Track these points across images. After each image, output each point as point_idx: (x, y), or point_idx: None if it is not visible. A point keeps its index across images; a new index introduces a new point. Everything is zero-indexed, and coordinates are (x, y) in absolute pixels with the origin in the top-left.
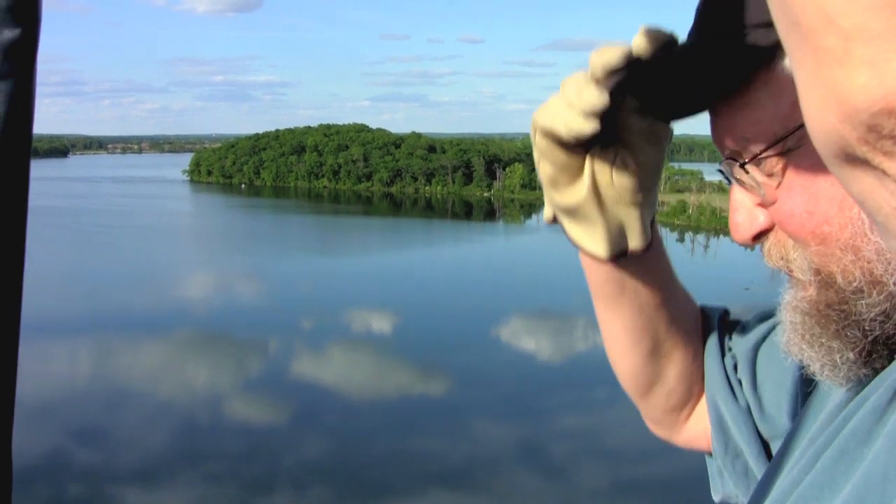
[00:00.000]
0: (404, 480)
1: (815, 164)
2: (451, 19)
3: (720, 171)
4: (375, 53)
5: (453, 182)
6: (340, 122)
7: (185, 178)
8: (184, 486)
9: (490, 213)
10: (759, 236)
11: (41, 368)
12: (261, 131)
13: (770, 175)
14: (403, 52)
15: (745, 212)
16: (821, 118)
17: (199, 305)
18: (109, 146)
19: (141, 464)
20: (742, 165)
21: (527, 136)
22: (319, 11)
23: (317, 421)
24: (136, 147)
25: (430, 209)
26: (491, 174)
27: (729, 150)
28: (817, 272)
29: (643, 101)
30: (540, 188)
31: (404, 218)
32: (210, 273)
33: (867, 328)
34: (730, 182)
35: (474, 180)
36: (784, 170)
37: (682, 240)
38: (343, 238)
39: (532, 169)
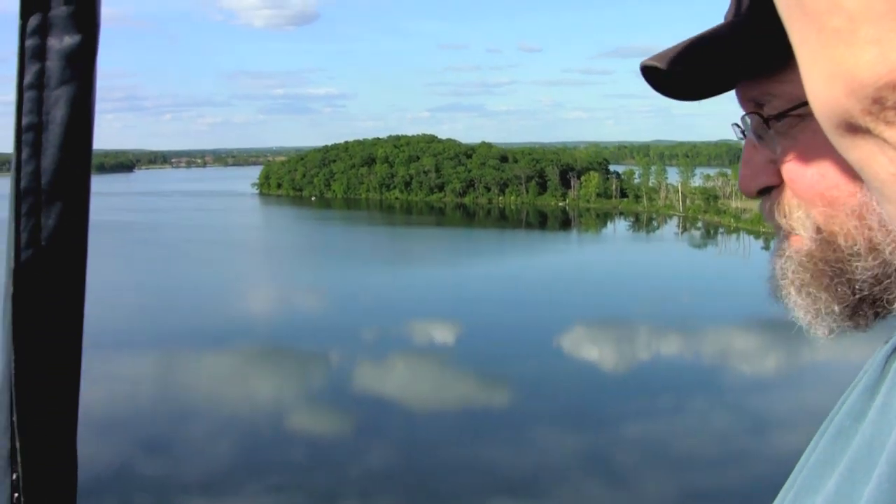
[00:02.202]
0: (469, 491)
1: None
2: (510, 28)
3: (737, 124)
4: (434, 63)
5: (527, 192)
6: (400, 133)
7: (255, 190)
8: (249, 497)
9: (565, 223)
10: (763, 192)
11: (110, 381)
12: (322, 144)
13: (787, 135)
14: (462, 62)
15: (752, 166)
16: (825, 92)
17: (268, 318)
18: (173, 160)
19: (207, 475)
20: (766, 120)
21: (591, 144)
22: (377, 23)
23: (381, 432)
24: (199, 161)
25: (503, 219)
26: (565, 183)
27: (753, 104)
28: (819, 231)
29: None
30: (616, 197)
31: (478, 228)
32: (278, 286)
33: (857, 287)
34: (744, 136)
35: (548, 189)
36: (802, 132)
37: (766, 247)
38: (414, 249)
39: (607, 177)
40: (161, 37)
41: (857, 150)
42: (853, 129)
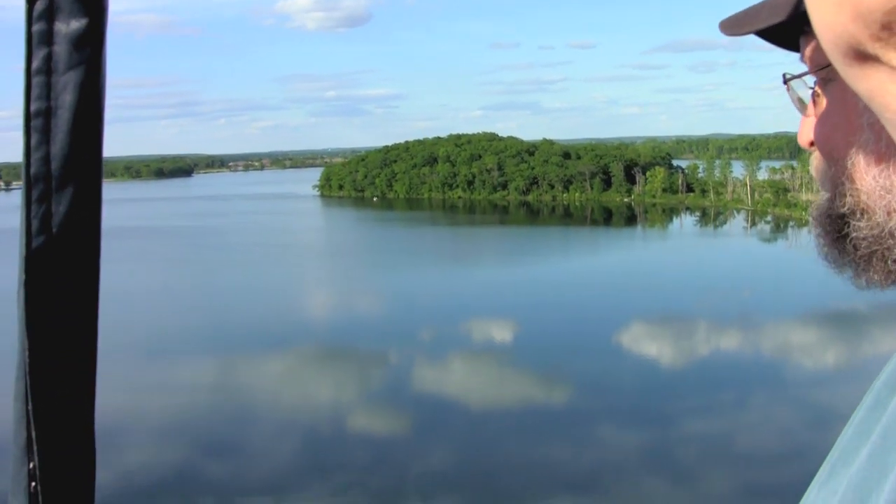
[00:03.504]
0: (530, 488)
1: (842, 97)
2: (562, 25)
3: (788, 80)
4: (486, 63)
5: (591, 188)
6: (458, 132)
7: (316, 192)
8: (312, 498)
9: (630, 219)
10: (812, 144)
11: (172, 385)
12: (376, 145)
13: (815, 94)
14: (514, 61)
15: (802, 121)
16: (831, 19)
17: (328, 319)
18: (231, 164)
19: (269, 477)
20: (790, 80)
21: (647, 139)
22: (428, 23)
23: (441, 431)
24: (257, 164)
25: (568, 216)
26: (630, 179)
27: (806, 62)
28: (831, 186)
29: None
30: (682, 192)
31: (542, 226)
32: (339, 287)
33: (856, 245)
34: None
35: (613, 186)
36: (823, 93)
37: None
38: (477, 248)
39: (672, 172)
40: (215, 43)
41: (866, 81)
42: (862, 57)
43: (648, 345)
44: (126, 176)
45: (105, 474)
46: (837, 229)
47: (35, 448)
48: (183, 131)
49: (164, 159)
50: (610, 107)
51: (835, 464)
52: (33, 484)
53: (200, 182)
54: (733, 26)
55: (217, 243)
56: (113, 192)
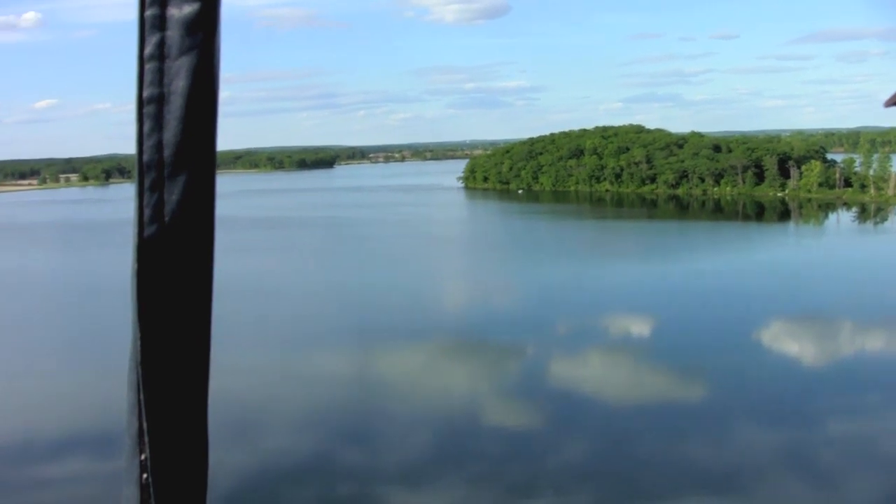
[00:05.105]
0: (666, 485)
1: None
2: (704, 16)
3: None
4: (626, 54)
5: (743, 182)
6: (604, 124)
7: (461, 184)
8: (447, 487)
9: (784, 214)
10: None
11: (311, 374)
12: (515, 137)
13: None
14: (655, 52)
15: None
16: None
17: (468, 311)
18: (371, 155)
19: (405, 465)
20: None
21: (794, 132)
22: (568, 15)
23: (577, 425)
24: (398, 155)
25: (718, 211)
26: (784, 173)
27: None
28: None
29: None
30: (839, 186)
31: (691, 221)
32: (480, 279)
33: None
34: None
35: (766, 180)
36: None
37: None
38: (623, 243)
39: (828, 166)
40: (354, 35)
41: None
42: None
43: (791, 344)
44: (269, 167)
45: (247, 459)
46: None
47: (147, 439)
48: (323, 123)
49: (306, 150)
50: (753, 99)
51: None
52: (145, 475)
53: (343, 173)
54: None
55: (360, 234)
56: (257, 183)
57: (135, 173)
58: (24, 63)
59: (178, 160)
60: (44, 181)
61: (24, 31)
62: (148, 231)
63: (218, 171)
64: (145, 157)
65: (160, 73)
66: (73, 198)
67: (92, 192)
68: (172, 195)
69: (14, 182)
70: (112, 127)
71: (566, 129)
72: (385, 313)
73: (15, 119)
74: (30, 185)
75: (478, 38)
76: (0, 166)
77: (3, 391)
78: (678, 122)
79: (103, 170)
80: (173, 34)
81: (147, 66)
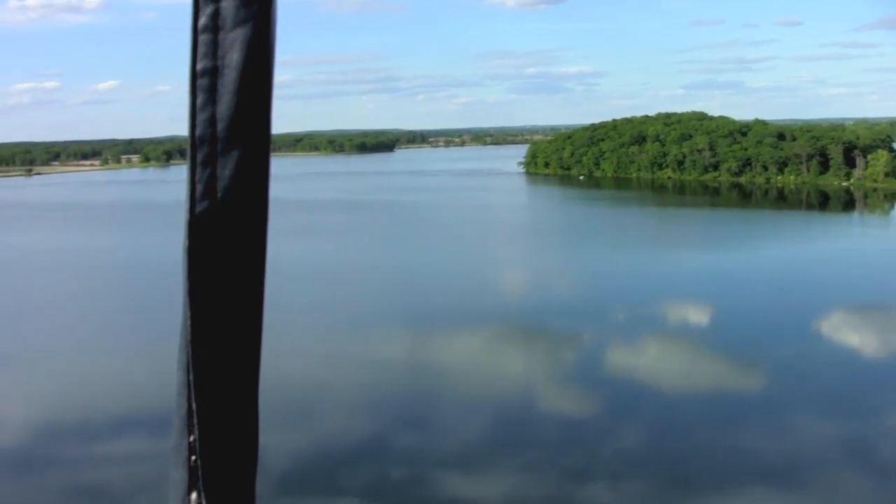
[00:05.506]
0: (721, 474)
1: None
2: (766, 2)
3: None
4: (687, 41)
5: (808, 171)
6: (661, 111)
7: (521, 170)
8: (502, 472)
9: (848, 204)
10: None
11: (369, 358)
12: (575, 122)
13: None
14: (716, 39)
15: None
16: None
17: (525, 297)
18: (431, 139)
19: (460, 450)
20: None
21: (858, 121)
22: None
23: (633, 413)
24: (458, 140)
25: (782, 200)
26: (849, 162)
27: None
28: None
29: None
30: None
31: (753, 210)
32: (538, 265)
33: None
34: None
35: (831, 169)
36: None
37: None
38: (684, 230)
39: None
40: (415, 19)
41: None
42: None
43: (853, 335)
44: (329, 150)
45: (301, 441)
46: None
47: (196, 420)
48: (383, 106)
49: (365, 134)
50: (817, 86)
51: None
52: (193, 458)
53: (402, 157)
54: None
55: (420, 218)
56: (317, 166)
57: (187, 148)
58: (87, 45)
59: (232, 135)
60: (105, 162)
61: (87, 13)
62: (200, 207)
63: (278, 154)
64: (198, 132)
65: (214, 45)
66: (134, 178)
67: (152, 173)
68: (225, 171)
69: (76, 162)
70: (173, 108)
71: (627, 115)
72: (443, 297)
73: (78, 100)
74: (92, 165)
75: (539, 23)
76: (63, 147)
77: (62, 369)
78: (739, 110)
79: (164, 151)
80: (228, 5)
81: (201, 38)
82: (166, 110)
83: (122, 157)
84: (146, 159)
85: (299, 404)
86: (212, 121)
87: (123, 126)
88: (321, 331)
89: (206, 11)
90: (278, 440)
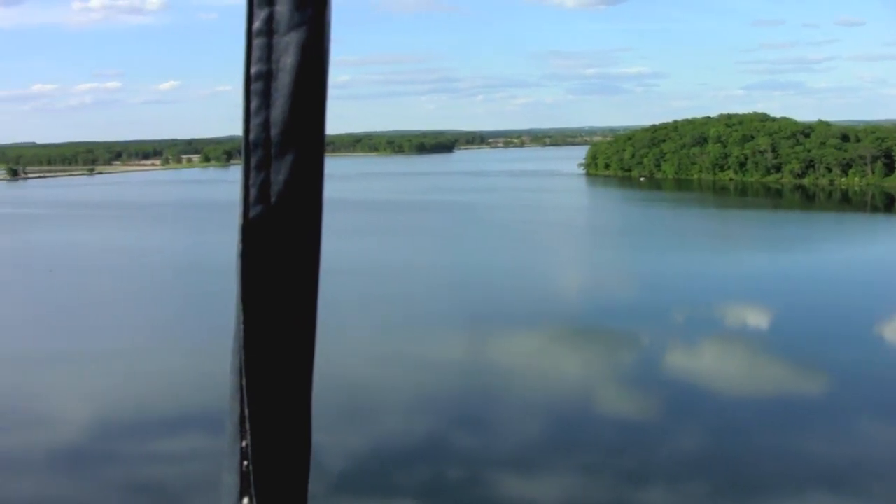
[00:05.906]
0: (781, 479)
1: None
2: (828, 2)
3: None
4: (747, 41)
5: (872, 172)
6: (722, 112)
7: (582, 171)
8: (559, 474)
9: None
10: None
11: (425, 358)
12: (634, 124)
13: None
14: (777, 39)
15: None
16: None
17: (583, 298)
18: (490, 140)
19: (517, 451)
20: None
21: None
22: (689, 1)
23: (691, 415)
24: (517, 141)
25: (846, 202)
26: None
27: None
28: None
29: None
30: None
31: (817, 212)
32: (597, 266)
33: None
34: None
35: None
36: None
37: None
38: (745, 232)
39: None
40: (473, 19)
41: None
42: None
43: None
44: (388, 150)
45: (358, 441)
46: None
47: (248, 426)
48: (442, 107)
49: (424, 134)
50: (879, 87)
51: None
52: (245, 463)
53: (462, 157)
54: None
55: (480, 218)
56: (376, 166)
57: (242, 152)
58: (148, 46)
59: (286, 139)
60: (166, 161)
61: (149, 14)
62: (254, 211)
63: (337, 154)
64: (252, 136)
65: (268, 48)
66: (195, 178)
67: (213, 172)
68: (279, 175)
69: (138, 162)
70: (233, 109)
71: (687, 116)
72: (502, 297)
73: (139, 100)
74: (153, 164)
75: (599, 23)
76: (124, 146)
77: (118, 367)
78: (801, 111)
79: (224, 151)
80: (282, 9)
81: (255, 42)
82: (226, 110)
83: (183, 156)
84: (206, 159)
85: (356, 403)
86: (266, 125)
87: (184, 126)
88: (378, 330)
89: (261, 15)
90: (335, 439)
